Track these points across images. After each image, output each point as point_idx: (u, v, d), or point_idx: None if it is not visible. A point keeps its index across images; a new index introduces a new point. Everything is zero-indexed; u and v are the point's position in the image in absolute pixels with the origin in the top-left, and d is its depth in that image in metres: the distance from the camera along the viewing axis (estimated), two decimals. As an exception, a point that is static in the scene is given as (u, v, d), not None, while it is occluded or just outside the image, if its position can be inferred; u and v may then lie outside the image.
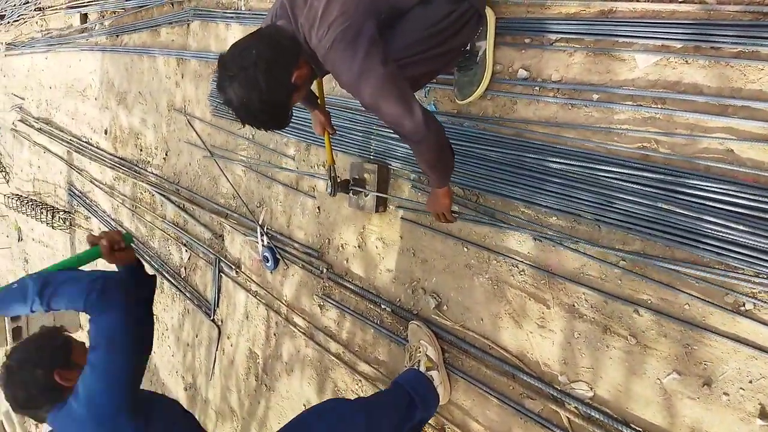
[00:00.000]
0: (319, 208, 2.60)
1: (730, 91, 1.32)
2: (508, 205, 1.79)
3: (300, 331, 2.75)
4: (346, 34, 1.33)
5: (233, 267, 3.28)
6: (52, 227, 6.23)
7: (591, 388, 1.60)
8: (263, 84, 1.34)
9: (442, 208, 1.77)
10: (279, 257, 2.85)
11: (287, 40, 1.43)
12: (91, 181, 5.30)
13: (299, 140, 2.69)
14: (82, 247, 5.86)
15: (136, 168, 4.44)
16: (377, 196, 2.18)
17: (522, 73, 1.73)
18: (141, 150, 4.43)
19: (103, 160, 4.99)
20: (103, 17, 4.97)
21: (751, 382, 1.30)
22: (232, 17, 3.15)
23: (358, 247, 2.40)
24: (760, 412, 1.28)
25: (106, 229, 1.64)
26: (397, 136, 1.54)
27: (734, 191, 1.30)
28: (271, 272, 2.94)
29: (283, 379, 2.94)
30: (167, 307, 4.17)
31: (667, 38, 1.40)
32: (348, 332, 2.50)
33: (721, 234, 1.33)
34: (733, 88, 1.32)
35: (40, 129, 6.53)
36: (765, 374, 1.28)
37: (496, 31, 1.74)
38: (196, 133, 3.56)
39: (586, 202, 1.57)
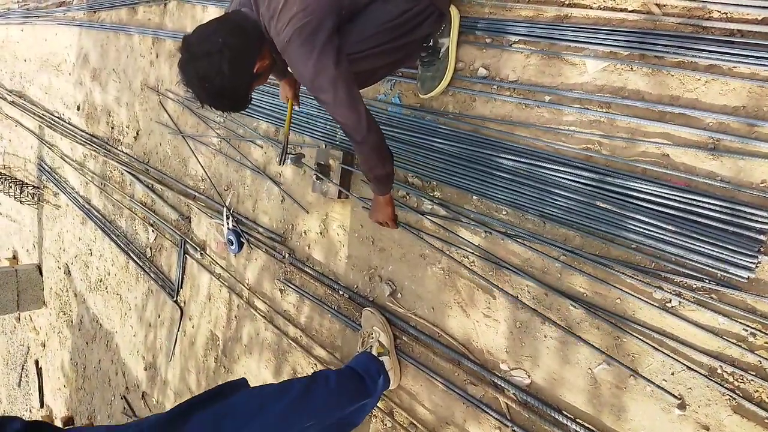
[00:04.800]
0: (283, 194, 2.63)
1: (669, 99, 1.40)
2: (463, 198, 1.85)
3: (260, 315, 2.78)
4: (304, 29, 1.36)
5: (198, 249, 3.29)
6: (20, 202, 6.13)
7: (529, 376, 1.67)
8: (227, 71, 1.37)
9: (384, 216, 1.85)
10: (243, 241, 2.88)
11: (252, 29, 1.46)
12: (61, 157, 5.23)
13: (270, 124, 2.72)
14: (49, 222, 5.80)
15: (107, 146, 4.40)
16: (341, 181, 2.22)
17: (482, 71, 1.79)
18: (113, 128, 4.39)
19: (75, 136, 4.93)
20: (81, -8, 4.91)
21: (672, 374, 1.38)
22: (209, -1, 3.16)
23: (320, 233, 2.44)
24: (679, 402, 1.37)
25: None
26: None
27: (667, 194, 1.38)
28: (235, 255, 2.97)
29: (241, 361, 2.97)
30: (131, 287, 4.16)
31: (615, 45, 1.47)
32: (306, 317, 2.54)
33: (652, 234, 1.40)
34: (672, 95, 1.39)
35: (13, 102, 6.41)
36: (685, 367, 1.36)
37: (460, 29, 1.79)
38: (168, 114, 3.56)
39: (534, 198, 1.64)
